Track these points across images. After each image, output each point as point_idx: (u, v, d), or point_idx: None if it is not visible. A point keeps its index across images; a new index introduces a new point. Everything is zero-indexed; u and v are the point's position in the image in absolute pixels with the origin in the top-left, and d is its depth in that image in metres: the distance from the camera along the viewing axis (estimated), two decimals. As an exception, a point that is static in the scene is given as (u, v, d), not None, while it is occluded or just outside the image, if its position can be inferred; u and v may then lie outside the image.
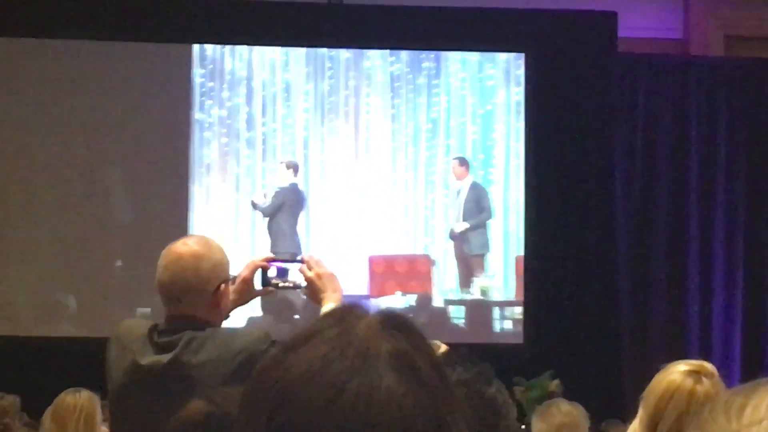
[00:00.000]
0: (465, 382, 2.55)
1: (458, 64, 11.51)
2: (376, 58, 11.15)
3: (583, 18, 11.91)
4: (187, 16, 11.28)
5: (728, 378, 12.19)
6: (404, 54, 11.49)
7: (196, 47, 10.63)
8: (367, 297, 10.29)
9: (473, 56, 11.73)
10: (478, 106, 11.40)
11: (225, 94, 10.52)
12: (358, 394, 1.14)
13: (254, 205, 10.42)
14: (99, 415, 5.23)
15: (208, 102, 10.41)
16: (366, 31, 11.71)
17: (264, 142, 10.50)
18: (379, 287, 10.48)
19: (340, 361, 1.16)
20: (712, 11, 12.59)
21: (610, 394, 11.11)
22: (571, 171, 11.86)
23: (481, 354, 2.74)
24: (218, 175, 10.50)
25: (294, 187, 10.46)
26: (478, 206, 10.80)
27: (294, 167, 10.41)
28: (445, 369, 1.21)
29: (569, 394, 7.68)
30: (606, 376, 11.68)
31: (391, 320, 1.22)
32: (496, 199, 11.33)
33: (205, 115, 10.42)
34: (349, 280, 9.31)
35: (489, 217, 10.75)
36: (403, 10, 11.58)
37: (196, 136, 10.44)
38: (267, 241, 10.45)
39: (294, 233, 10.39)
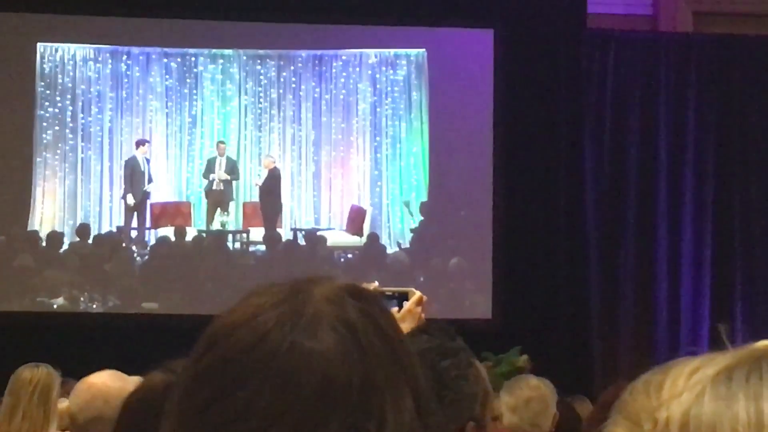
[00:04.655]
0: (419, 353, 2.32)
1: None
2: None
3: (552, -6, 11.90)
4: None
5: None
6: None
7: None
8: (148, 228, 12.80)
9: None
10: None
11: (57, 98, 12.74)
12: (281, 343, 1.11)
13: None
14: (56, 391, 5.13)
15: (46, 103, 12.69)
16: (330, 8, 11.94)
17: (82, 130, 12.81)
18: (155, 222, 12.95)
19: (271, 311, 1.14)
20: (681, -13, 12.35)
21: (579, 371, 11.18)
22: (540, 147, 11.98)
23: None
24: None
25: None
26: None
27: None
28: (402, 346, 1.17)
29: (538, 370, 7.58)
30: (574, 353, 11.68)
31: (353, 290, 1.19)
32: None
33: (44, 111, 12.68)
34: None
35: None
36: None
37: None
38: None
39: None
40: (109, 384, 3.69)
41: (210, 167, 12.89)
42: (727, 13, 12.72)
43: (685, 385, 0.94)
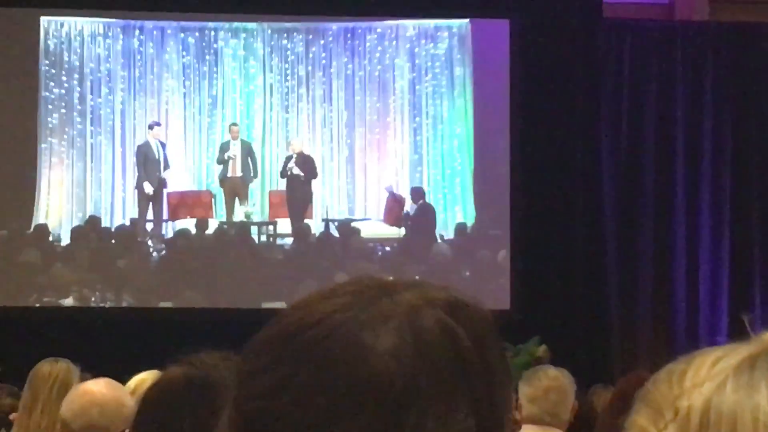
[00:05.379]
0: None
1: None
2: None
3: (568, -18, 12.04)
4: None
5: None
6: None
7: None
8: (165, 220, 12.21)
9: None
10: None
11: (63, 78, 12.03)
12: (335, 330, 1.12)
13: None
14: (75, 385, 4.96)
15: (51, 84, 12.00)
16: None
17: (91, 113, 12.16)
18: (173, 213, 12.27)
19: (343, 298, 1.15)
20: (696, -25, 12.62)
21: (598, 360, 11.21)
22: (557, 137, 11.95)
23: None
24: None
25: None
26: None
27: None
28: (484, 370, 1.15)
29: (556, 360, 7.58)
30: (593, 342, 11.77)
31: (452, 304, 1.17)
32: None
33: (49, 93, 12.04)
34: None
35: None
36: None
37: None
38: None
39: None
40: (105, 392, 3.72)
41: (223, 153, 12.26)
42: (744, 1, 12.84)
43: (707, 374, 0.96)
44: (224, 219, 12.22)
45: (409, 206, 12.28)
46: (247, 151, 12.24)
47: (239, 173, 12.20)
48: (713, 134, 12.49)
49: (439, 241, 12.27)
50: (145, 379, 4.37)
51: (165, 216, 12.19)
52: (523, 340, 10.33)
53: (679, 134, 12.44)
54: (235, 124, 12.23)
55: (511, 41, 12.04)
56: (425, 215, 12.24)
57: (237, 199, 12.25)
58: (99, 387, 3.76)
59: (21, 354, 7.08)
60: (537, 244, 11.85)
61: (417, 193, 12.27)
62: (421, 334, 1.12)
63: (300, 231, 12.21)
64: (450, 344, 1.13)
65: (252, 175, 12.23)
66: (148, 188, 12.05)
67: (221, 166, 12.21)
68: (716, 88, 12.53)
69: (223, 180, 12.23)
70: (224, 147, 12.21)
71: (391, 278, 1.21)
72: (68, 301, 11.79)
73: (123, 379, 4.39)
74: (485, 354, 1.15)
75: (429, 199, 12.32)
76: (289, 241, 12.28)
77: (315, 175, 12.21)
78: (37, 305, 11.64)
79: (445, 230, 12.32)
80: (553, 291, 11.78)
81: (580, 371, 6.27)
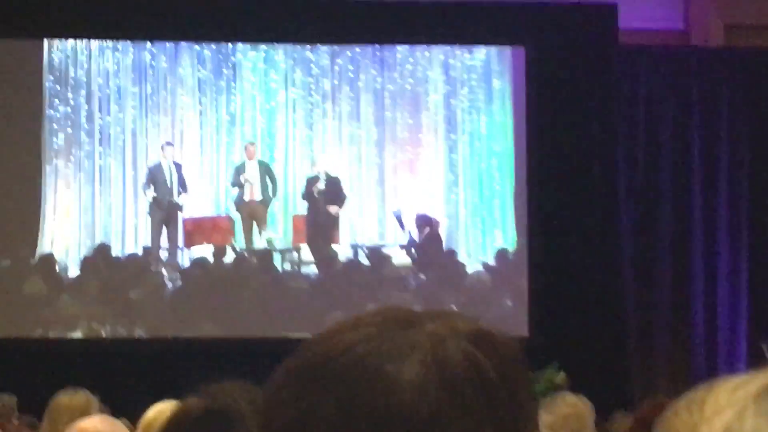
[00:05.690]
0: None
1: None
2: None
3: (583, 10, 12.14)
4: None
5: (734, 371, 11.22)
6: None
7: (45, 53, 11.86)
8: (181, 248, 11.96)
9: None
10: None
11: (69, 94, 11.94)
12: (360, 361, 1.13)
13: None
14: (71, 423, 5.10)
15: (56, 101, 11.89)
16: (364, 26, 11.68)
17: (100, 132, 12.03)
18: (189, 240, 11.99)
19: (369, 328, 1.16)
20: (712, 1, 12.84)
21: (617, 386, 11.33)
22: (574, 163, 12.05)
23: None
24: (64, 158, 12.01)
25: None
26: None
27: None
28: (510, 405, 1.16)
29: (575, 387, 7.82)
30: (612, 369, 11.83)
31: (478, 335, 1.17)
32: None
33: (54, 111, 11.91)
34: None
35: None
36: (400, 5, 11.64)
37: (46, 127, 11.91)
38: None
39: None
40: (100, 428, 3.72)
41: (239, 175, 11.92)
42: (759, 26, 13.01)
43: (727, 402, 0.97)
44: (244, 246, 11.83)
45: (416, 235, 11.93)
46: (265, 171, 11.86)
47: (258, 197, 11.81)
48: (730, 159, 12.69)
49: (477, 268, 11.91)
50: (163, 410, 4.29)
51: (180, 243, 11.84)
52: (540, 366, 10.37)
53: (695, 160, 12.63)
54: (251, 143, 11.93)
55: (527, 68, 12.08)
56: (434, 244, 11.89)
57: (256, 225, 11.82)
58: (94, 423, 3.78)
59: (32, 385, 7.26)
60: (554, 269, 11.93)
61: (424, 221, 11.99)
62: (446, 365, 1.14)
63: (326, 258, 11.80)
64: (475, 375, 1.15)
65: (271, 195, 11.83)
66: (155, 211, 11.72)
67: (237, 190, 11.81)
68: (732, 114, 12.73)
69: (240, 205, 11.87)
70: (239, 169, 11.86)
71: (416, 309, 1.20)
72: (76, 336, 11.41)
73: (139, 412, 4.38)
74: (511, 385, 1.17)
75: (466, 222, 11.96)
76: (315, 269, 11.87)
77: (342, 198, 11.74)
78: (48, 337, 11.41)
79: (483, 255, 11.95)
80: (572, 317, 11.83)
81: (598, 397, 6.38)
